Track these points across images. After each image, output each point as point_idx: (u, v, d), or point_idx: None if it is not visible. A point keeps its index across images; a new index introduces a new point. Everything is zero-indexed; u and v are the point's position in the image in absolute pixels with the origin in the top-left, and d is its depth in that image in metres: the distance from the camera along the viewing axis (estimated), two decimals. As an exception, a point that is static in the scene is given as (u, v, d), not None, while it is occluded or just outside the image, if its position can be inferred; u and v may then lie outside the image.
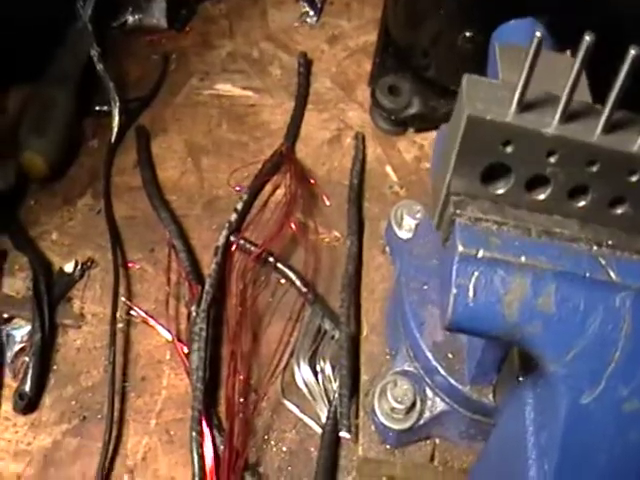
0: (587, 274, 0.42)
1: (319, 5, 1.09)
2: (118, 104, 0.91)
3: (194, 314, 0.71)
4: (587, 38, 0.40)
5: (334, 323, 0.71)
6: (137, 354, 0.73)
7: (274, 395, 0.69)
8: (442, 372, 0.59)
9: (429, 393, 0.61)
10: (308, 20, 1.08)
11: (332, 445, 0.64)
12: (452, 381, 0.59)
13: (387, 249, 0.72)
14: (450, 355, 0.60)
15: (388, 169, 0.88)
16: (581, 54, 0.41)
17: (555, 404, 0.43)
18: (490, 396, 0.58)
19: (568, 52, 0.84)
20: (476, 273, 0.42)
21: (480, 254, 0.42)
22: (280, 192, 0.84)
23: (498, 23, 0.70)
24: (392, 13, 0.98)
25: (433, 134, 0.91)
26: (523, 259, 0.42)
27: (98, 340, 0.73)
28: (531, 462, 0.45)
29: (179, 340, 0.72)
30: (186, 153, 0.90)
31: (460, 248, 0.42)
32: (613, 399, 0.42)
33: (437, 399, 0.60)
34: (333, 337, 0.69)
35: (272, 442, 0.67)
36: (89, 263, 0.78)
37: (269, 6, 1.09)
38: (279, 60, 1.01)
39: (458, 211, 0.44)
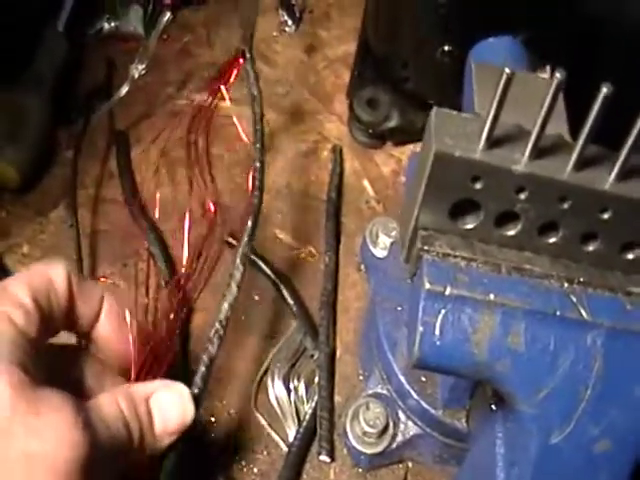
0: (558, 312, 0.42)
1: (298, 14, 1.08)
2: (93, 112, 0.91)
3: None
4: (558, 76, 0.40)
5: (315, 342, 0.70)
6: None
7: (247, 411, 0.68)
8: (415, 396, 0.59)
9: (402, 416, 0.61)
10: (287, 29, 1.07)
11: (295, 466, 0.63)
12: (425, 405, 0.59)
13: (362, 267, 0.72)
14: (423, 378, 0.60)
15: (365, 183, 0.87)
16: (552, 91, 0.40)
17: (525, 442, 0.43)
18: (463, 421, 0.58)
19: (548, 68, 0.85)
20: (443, 311, 0.42)
21: (447, 291, 0.42)
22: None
23: (477, 38, 0.70)
24: (371, 24, 0.98)
25: (411, 147, 0.91)
26: (492, 297, 0.42)
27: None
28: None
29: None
30: (161, 163, 0.89)
31: (427, 285, 0.42)
32: (583, 439, 0.42)
33: (410, 423, 0.60)
34: (312, 356, 0.69)
35: (243, 462, 0.66)
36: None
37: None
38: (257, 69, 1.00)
39: (426, 247, 0.43)
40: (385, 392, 0.62)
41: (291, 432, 0.64)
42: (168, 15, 1.02)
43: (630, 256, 0.44)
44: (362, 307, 0.69)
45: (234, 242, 0.79)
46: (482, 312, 0.42)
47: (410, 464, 0.61)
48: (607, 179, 0.42)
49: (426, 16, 0.86)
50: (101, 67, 0.98)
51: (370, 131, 0.90)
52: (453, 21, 0.85)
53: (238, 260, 0.64)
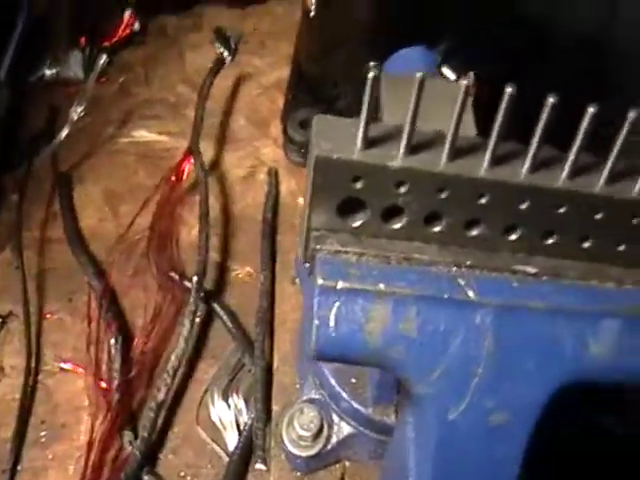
0: (446, 295, 0.44)
1: (234, 45, 1.12)
2: (36, 156, 0.93)
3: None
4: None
5: (252, 357, 0.72)
6: (56, 402, 0.74)
7: (190, 428, 0.70)
8: (346, 397, 0.61)
9: (335, 418, 0.63)
10: (223, 60, 1.10)
11: (236, 476, 0.65)
12: (355, 404, 0.61)
13: (297, 280, 0.74)
14: (353, 380, 0.62)
15: (301, 200, 0.90)
16: (415, 92, 0.43)
17: (425, 422, 0.45)
18: (392, 416, 0.60)
19: (471, 74, 0.88)
20: (337, 304, 0.44)
21: (339, 285, 0.44)
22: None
23: (401, 51, 0.74)
24: (303, 47, 1.01)
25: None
26: (382, 286, 0.44)
27: (18, 392, 0.74)
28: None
29: (98, 383, 0.73)
30: (104, 201, 0.91)
31: (320, 281, 0.44)
32: (479, 413, 0.44)
33: (343, 423, 0.62)
34: (250, 370, 0.71)
35: (188, 478, 0.68)
36: (8, 316, 0.79)
37: (185, 50, 1.12)
38: (195, 102, 1.03)
39: (318, 246, 0.46)
40: (319, 397, 0.63)
41: (232, 444, 0.66)
42: (104, 57, 1.06)
43: (513, 237, 0.46)
44: (298, 319, 0.71)
45: (176, 276, 0.81)
46: (374, 302, 0.44)
47: (347, 463, 0.63)
48: (480, 166, 0.44)
49: (353, 35, 0.90)
50: (43, 112, 1.01)
51: (303, 151, 0.92)
52: (379, 37, 0.88)
53: (187, 323, 0.67)
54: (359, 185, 0.45)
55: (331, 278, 0.44)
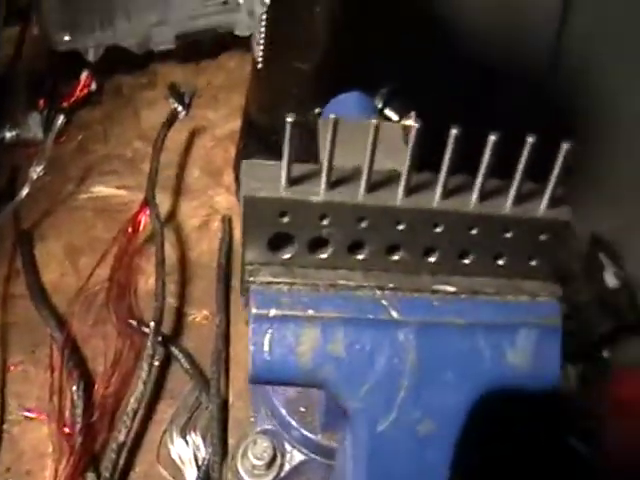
0: (371, 316, 0.48)
1: (188, 100, 1.16)
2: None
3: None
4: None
5: (208, 395, 0.75)
6: (21, 450, 0.76)
7: (152, 467, 0.73)
8: (295, 425, 0.64)
9: (287, 447, 0.65)
10: (178, 116, 1.14)
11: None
12: (305, 432, 0.63)
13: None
14: (302, 409, 0.65)
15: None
16: (330, 131, 0.47)
17: (358, 436, 0.48)
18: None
19: (413, 114, 0.93)
20: (270, 330, 0.48)
21: (272, 313, 0.48)
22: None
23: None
24: (252, 98, 1.05)
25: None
26: (311, 312, 0.48)
27: (-18, 442, 0.76)
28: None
29: (62, 429, 0.75)
30: (64, 256, 0.94)
31: (254, 310, 0.48)
32: (407, 423, 0.48)
33: (295, 451, 0.65)
34: (207, 408, 0.74)
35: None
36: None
37: (141, 107, 1.16)
38: (150, 156, 1.07)
39: (252, 278, 0.49)
40: (271, 427, 0.66)
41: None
42: (62, 118, 1.10)
43: (432, 259, 0.50)
44: (252, 356, 0.74)
45: (135, 324, 0.84)
46: (304, 327, 0.48)
47: (300, 491, 0.66)
48: (396, 196, 0.49)
49: (298, 84, 0.94)
50: (5, 172, 1.04)
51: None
52: (322, 85, 0.93)
53: (145, 367, 0.71)
54: (286, 220, 0.48)
55: (264, 307, 0.48)
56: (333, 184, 0.49)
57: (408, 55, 1.14)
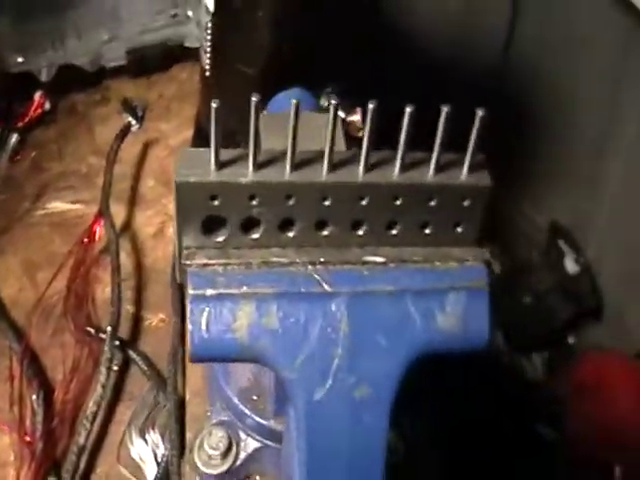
0: (303, 290, 0.50)
1: (140, 113, 1.18)
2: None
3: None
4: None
5: (165, 394, 0.76)
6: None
7: (112, 468, 0.74)
8: (249, 413, 0.65)
9: (242, 435, 0.66)
10: (132, 129, 1.16)
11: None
12: (258, 419, 0.65)
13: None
14: (255, 397, 0.66)
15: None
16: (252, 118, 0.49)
17: (297, 407, 0.49)
18: (292, 425, 0.64)
19: (358, 109, 0.95)
20: (207, 309, 0.49)
21: (208, 293, 0.49)
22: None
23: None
24: (202, 106, 1.07)
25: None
26: (245, 289, 0.49)
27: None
28: (295, 467, 0.50)
29: (23, 438, 0.76)
30: (22, 271, 0.95)
31: (191, 291, 0.49)
32: (343, 389, 0.49)
33: (249, 439, 0.66)
34: (165, 406, 0.75)
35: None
36: None
37: (94, 123, 1.17)
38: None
39: (188, 261, 0.51)
40: (226, 418, 0.67)
41: (152, 476, 0.69)
42: (15, 137, 1.11)
43: (360, 232, 0.52)
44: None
45: (93, 331, 0.86)
46: (239, 304, 0.49)
47: (258, 477, 0.67)
48: (321, 173, 0.50)
49: (245, 88, 0.96)
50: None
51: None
52: (268, 87, 0.95)
53: (103, 371, 0.71)
54: (217, 202, 0.50)
55: (200, 287, 0.49)
56: (261, 165, 0.50)
57: (359, 56, 1.16)
